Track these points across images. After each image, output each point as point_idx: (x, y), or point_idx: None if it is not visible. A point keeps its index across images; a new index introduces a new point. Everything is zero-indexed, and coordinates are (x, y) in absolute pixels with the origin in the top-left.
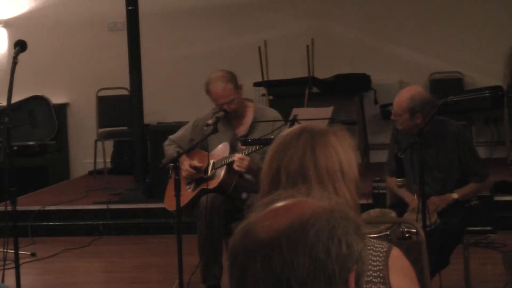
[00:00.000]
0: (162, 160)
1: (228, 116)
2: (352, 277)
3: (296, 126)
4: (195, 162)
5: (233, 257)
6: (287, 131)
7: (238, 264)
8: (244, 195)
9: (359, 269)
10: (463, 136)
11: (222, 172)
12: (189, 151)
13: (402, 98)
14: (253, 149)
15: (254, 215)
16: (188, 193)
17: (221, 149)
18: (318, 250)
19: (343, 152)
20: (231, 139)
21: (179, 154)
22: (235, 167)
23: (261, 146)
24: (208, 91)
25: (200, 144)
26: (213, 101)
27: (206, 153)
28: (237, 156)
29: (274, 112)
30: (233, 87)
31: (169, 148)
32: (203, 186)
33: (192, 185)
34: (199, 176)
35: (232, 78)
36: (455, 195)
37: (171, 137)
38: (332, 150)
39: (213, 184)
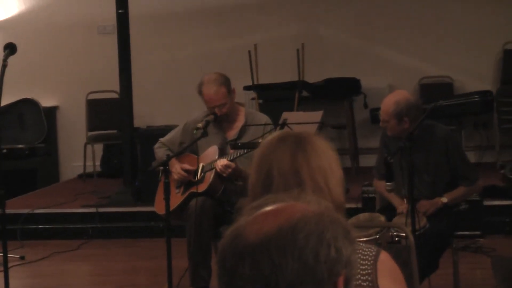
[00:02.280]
0: (151, 163)
1: (218, 120)
2: (340, 281)
3: (276, 133)
4: (186, 166)
5: (222, 261)
6: (269, 137)
7: (227, 268)
8: (233, 199)
9: (347, 273)
10: (452, 140)
11: (211, 175)
12: (179, 155)
13: (387, 104)
14: (240, 153)
15: (243, 219)
16: (177, 196)
17: (210, 152)
18: (307, 254)
19: (328, 152)
20: (220, 143)
21: (169, 158)
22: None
23: (249, 150)
24: (200, 93)
25: (190, 148)
26: (205, 103)
27: (196, 156)
28: (220, 163)
29: (265, 117)
30: (226, 91)
31: (160, 151)
32: (193, 189)
33: (181, 189)
34: (189, 180)
35: (225, 81)
36: (444, 199)
37: (162, 139)
38: (320, 150)
39: (202, 187)
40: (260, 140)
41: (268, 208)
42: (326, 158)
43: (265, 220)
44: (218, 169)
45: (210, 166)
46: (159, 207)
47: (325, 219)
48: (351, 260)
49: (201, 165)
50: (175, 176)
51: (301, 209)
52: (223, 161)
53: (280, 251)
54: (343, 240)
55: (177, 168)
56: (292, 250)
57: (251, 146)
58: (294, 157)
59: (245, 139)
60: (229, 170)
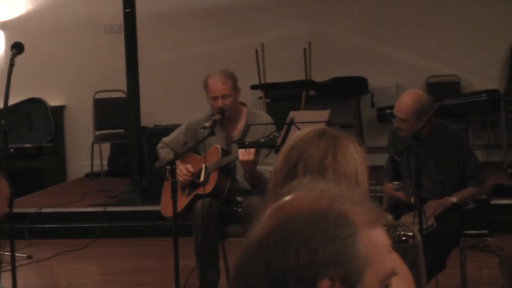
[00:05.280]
0: (155, 163)
1: (222, 119)
2: (324, 283)
3: (317, 127)
4: (190, 167)
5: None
6: (308, 129)
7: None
8: (239, 198)
9: (337, 271)
10: (463, 139)
11: (215, 176)
12: (184, 154)
13: (406, 103)
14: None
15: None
16: (183, 199)
17: (212, 152)
18: (272, 270)
19: (359, 163)
20: (223, 143)
21: (176, 157)
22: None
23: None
24: (206, 84)
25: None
26: (209, 94)
27: (198, 156)
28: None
29: (267, 117)
30: (231, 84)
31: (163, 151)
32: (198, 191)
33: (186, 191)
34: (193, 181)
35: (232, 76)
36: (453, 199)
37: (165, 139)
38: (351, 158)
39: (207, 189)
40: (262, 140)
41: (267, 211)
42: (354, 167)
43: (261, 224)
44: (240, 155)
45: (214, 167)
46: (165, 210)
47: (306, 218)
48: (338, 257)
49: (203, 166)
50: (181, 178)
51: (283, 213)
52: (252, 150)
53: (247, 268)
54: (327, 237)
55: (182, 170)
56: (259, 266)
57: (258, 145)
58: (323, 157)
59: (248, 138)
60: (253, 158)
